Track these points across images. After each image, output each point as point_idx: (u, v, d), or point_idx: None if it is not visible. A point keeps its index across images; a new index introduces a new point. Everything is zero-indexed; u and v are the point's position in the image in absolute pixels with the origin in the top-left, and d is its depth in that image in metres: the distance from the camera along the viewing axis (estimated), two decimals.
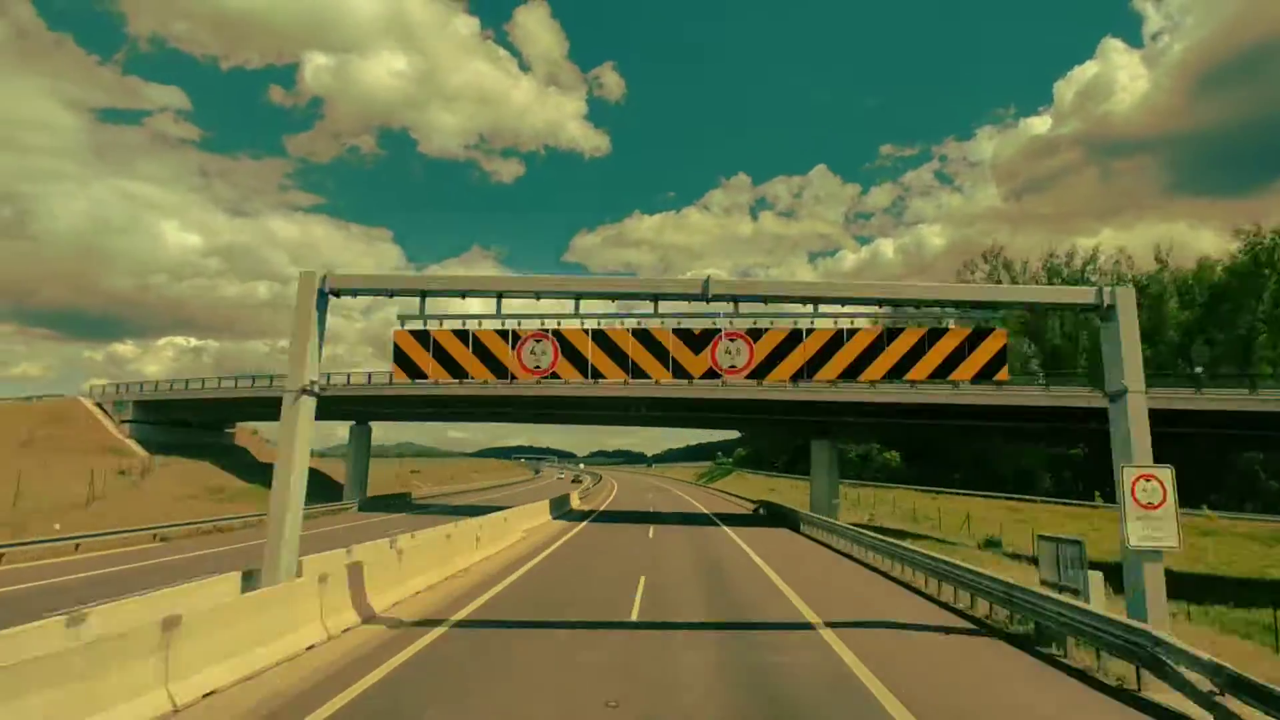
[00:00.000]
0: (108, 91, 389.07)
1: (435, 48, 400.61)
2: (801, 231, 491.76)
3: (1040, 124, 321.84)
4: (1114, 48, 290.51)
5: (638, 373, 10.52)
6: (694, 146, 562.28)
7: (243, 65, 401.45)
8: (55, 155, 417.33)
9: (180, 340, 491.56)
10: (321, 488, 40.17)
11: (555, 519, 31.40)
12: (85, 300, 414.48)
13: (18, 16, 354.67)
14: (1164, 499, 9.27)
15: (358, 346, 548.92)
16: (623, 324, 10.89)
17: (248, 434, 59.29)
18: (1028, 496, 52.35)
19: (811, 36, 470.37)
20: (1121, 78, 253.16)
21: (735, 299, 10.74)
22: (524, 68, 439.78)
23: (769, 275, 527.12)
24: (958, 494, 53.91)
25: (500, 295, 11.05)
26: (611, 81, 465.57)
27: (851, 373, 10.68)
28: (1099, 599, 10.30)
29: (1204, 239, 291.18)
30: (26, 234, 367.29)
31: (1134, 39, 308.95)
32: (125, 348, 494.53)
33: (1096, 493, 45.87)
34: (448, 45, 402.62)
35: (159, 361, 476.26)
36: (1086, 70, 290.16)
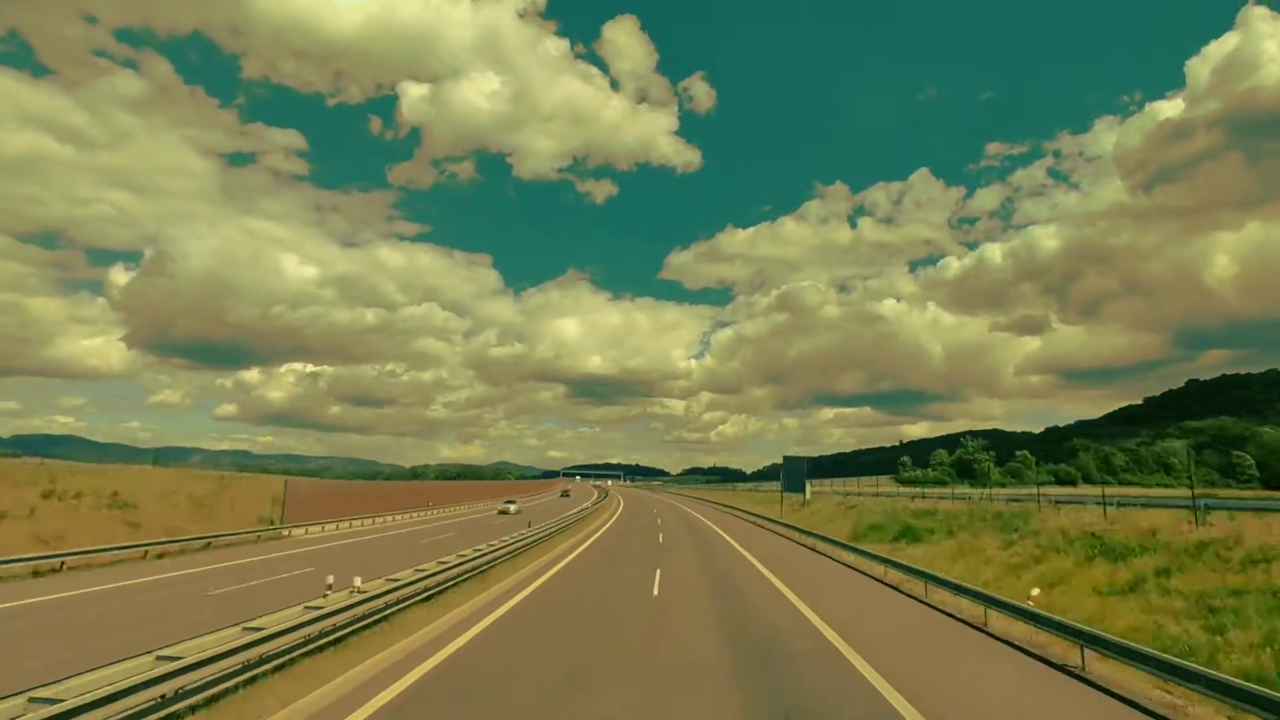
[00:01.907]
0: (234, 136, 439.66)
1: (526, 69, 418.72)
2: (902, 239, 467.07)
3: (1170, 108, 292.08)
4: (1257, 16, 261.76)
5: None
6: (788, 156, 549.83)
7: (345, 101, 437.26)
8: (190, 198, 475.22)
9: (299, 366, 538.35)
10: None
11: None
12: (215, 331, 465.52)
13: (159, 74, 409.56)
14: None
15: (459, 370, 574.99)
16: None
17: None
18: None
19: (909, 31, 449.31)
20: (1269, 48, 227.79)
21: None
22: (614, 84, 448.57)
23: (866, 287, 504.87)
24: None
25: None
26: (701, 93, 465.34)
27: None
28: None
29: None
30: (166, 273, 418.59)
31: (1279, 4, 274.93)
32: (251, 374, 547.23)
33: None
34: (538, 66, 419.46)
35: (281, 387, 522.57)
36: (1225, 44, 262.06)
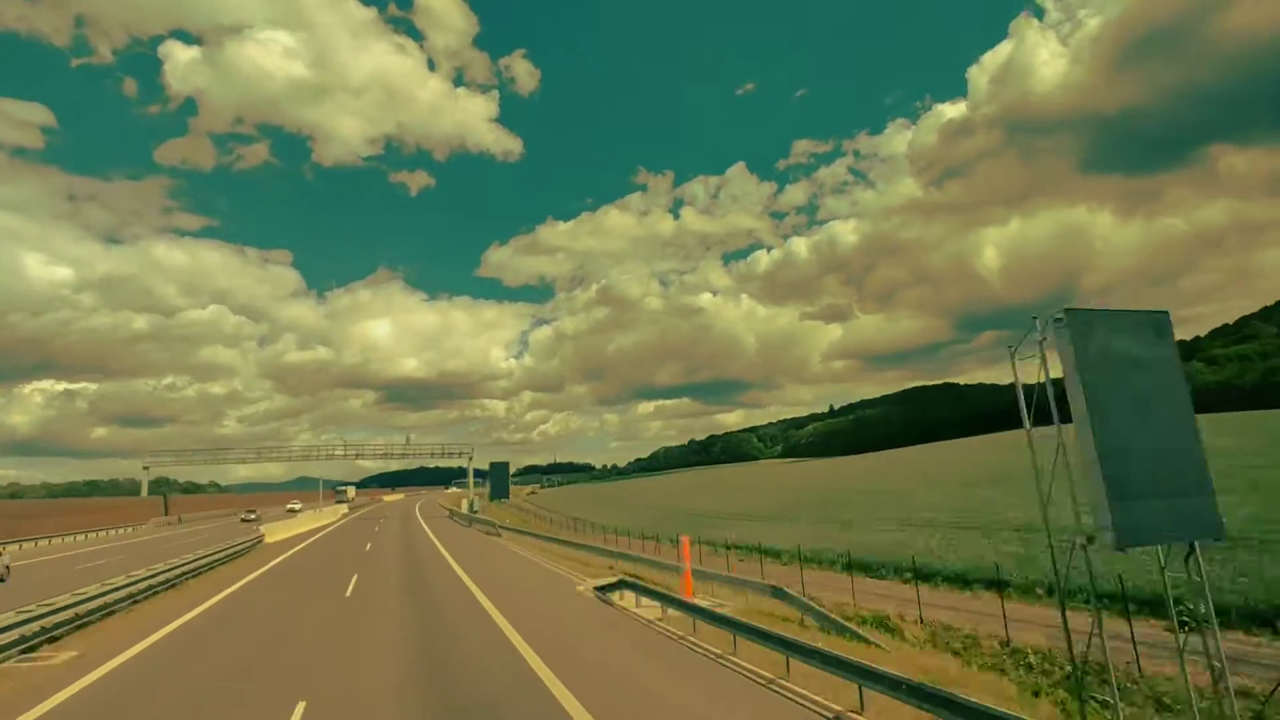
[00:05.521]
0: None
1: (327, 31, 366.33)
2: (719, 232, 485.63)
3: (954, 110, 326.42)
4: (1027, 26, 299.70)
5: None
6: (610, 145, 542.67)
7: (90, 60, 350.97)
8: None
9: (48, 384, 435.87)
10: None
11: None
12: None
13: None
14: None
15: (255, 381, 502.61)
16: None
17: None
18: None
19: (734, 17, 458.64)
20: (1040, 55, 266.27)
21: None
22: (431, 64, 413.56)
23: (682, 281, 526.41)
24: None
25: None
26: (523, 72, 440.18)
27: None
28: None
29: (1102, 221, 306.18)
30: None
31: (1043, 15, 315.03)
32: None
33: None
34: (342, 28, 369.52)
35: (26, 409, 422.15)
36: (999, 53, 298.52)
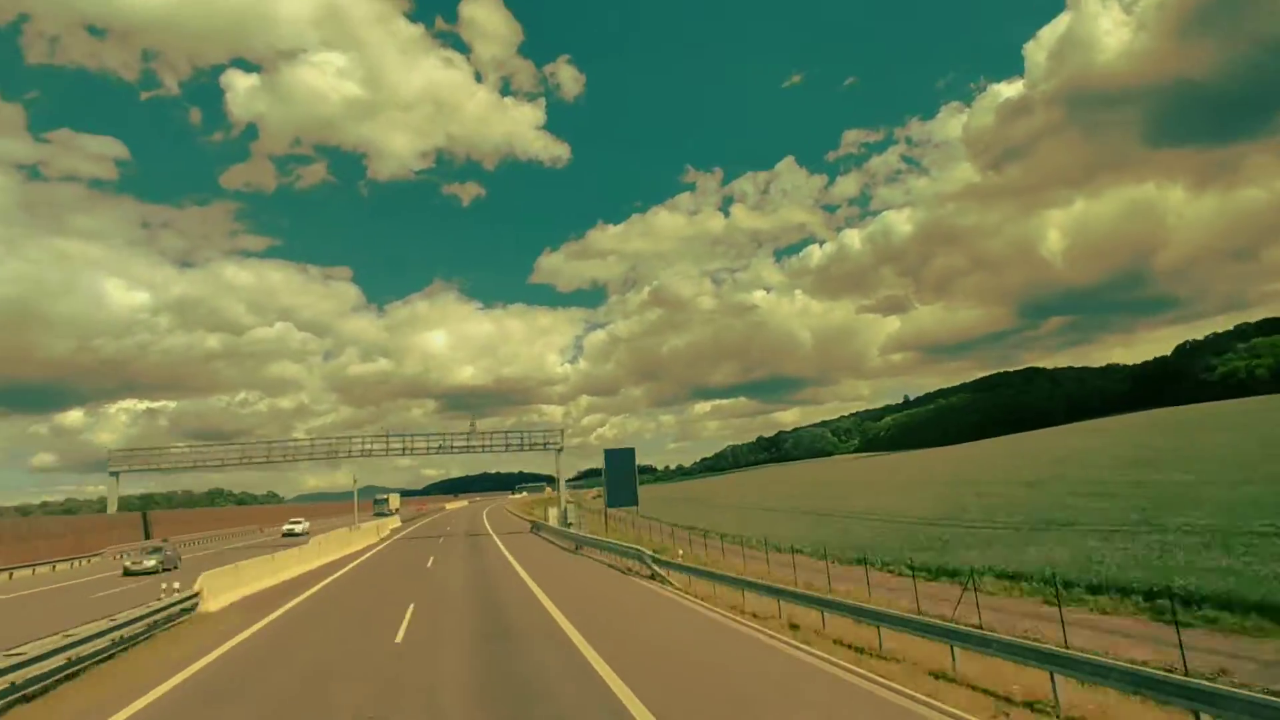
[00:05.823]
0: (37, 146, 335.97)
1: (378, 51, 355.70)
2: (770, 228, 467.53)
3: (1011, 89, 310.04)
4: None
5: None
6: (658, 146, 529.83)
7: (158, 93, 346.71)
8: None
9: (131, 404, 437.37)
10: None
11: None
12: (23, 370, 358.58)
13: None
14: None
15: (321, 394, 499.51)
16: None
17: None
18: None
19: (779, 8, 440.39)
20: (1103, 24, 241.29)
21: None
22: (478, 76, 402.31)
23: (734, 279, 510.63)
24: None
25: None
26: (568, 77, 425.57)
27: None
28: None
29: (1174, 196, 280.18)
30: None
31: None
32: (74, 416, 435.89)
33: None
34: (389, 48, 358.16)
35: (113, 428, 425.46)
36: (1058, 26, 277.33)
